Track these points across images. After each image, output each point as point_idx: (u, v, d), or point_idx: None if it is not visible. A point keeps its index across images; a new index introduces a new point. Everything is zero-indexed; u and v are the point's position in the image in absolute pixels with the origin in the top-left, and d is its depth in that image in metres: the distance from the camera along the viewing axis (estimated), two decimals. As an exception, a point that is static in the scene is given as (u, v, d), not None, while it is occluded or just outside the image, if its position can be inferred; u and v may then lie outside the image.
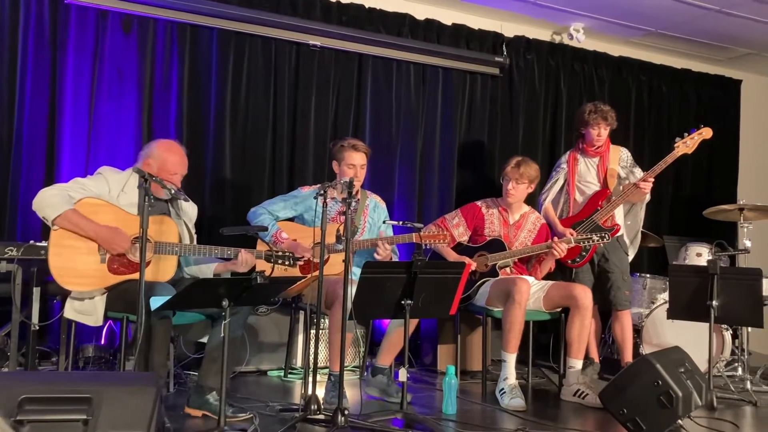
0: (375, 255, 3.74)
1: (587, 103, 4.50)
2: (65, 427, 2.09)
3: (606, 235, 4.06)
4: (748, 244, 4.61)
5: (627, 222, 4.51)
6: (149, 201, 2.83)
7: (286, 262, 3.30)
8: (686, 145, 4.31)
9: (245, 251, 3.30)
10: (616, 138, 4.60)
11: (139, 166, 3.25)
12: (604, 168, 4.42)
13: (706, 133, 4.34)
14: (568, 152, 4.58)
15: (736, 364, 4.57)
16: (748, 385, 4.13)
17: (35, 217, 3.19)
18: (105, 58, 4.36)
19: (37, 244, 3.48)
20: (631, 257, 4.54)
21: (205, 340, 3.33)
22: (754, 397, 3.97)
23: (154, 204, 2.93)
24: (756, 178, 6.55)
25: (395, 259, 3.94)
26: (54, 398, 2.12)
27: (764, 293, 4.26)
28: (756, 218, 4.79)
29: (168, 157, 3.34)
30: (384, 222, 4.06)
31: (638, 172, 4.42)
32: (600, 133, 4.37)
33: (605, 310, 4.58)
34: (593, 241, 4.04)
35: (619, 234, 4.38)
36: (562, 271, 4.54)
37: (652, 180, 4.26)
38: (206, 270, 3.44)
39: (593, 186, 4.44)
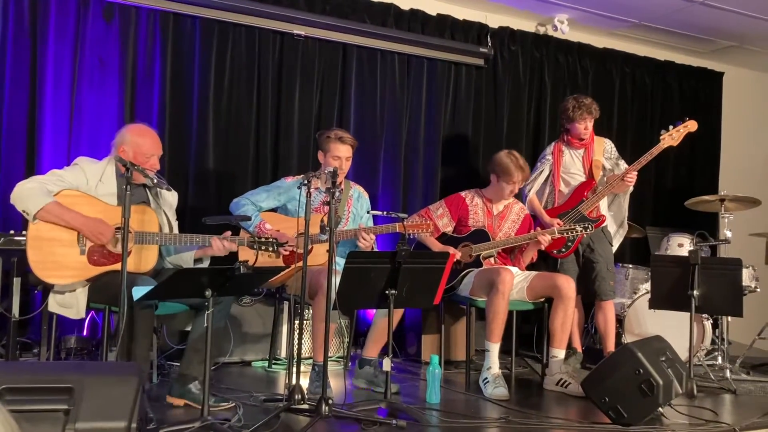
0: (358, 244, 3.74)
1: (568, 98, 4.45)
2: (47, 416, 2.08)
3: (589, 226, 4.08)
4: (728, 234, 4.64)
5: (611, 212, 4.54)
6: (130, 190, 2.80)
7: (270, 248, 3.28)
8: (672, 137, 4.33)
9: (218, 239, 3.28)
10: (599, 130, 4.62)
11: (114, 155, 3.22)
12: (589, 159, 4.44)
13: (692, 126, 4.35)
14: (552, 143, 4.58)
15: (716, 353, 4.61)
16: (728, 374, 4.18)
17: (15, 208, 3.15)
18: (86, 47, 4.30)
19: (17, 235, 3.43)
20: (615, 248, 4.56)
21: (189, 329, 3.31)
22: (734, 385, 4.01)
23: (134, 192, 2.91)
24: (737, 169, 6.60)
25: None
26: (35, 388, 2.10)
27: (744, 283, 4.32)
28: (737, 209, 4.83)
29: (141, 141, 3.31)
30: (368, 212, 4.06)
31: (623, 164, 4.44)
32: (587, 126, 4.38)
33: (588, 301, 4.61)
34: (577, 232, 4.06)
35: (603, 225, 4.41)
36: (545, 261, 4.56)
37: (637, 172, 4.28)
38: (187, 258, 3.42)
39: (578, 177, 4.46)
